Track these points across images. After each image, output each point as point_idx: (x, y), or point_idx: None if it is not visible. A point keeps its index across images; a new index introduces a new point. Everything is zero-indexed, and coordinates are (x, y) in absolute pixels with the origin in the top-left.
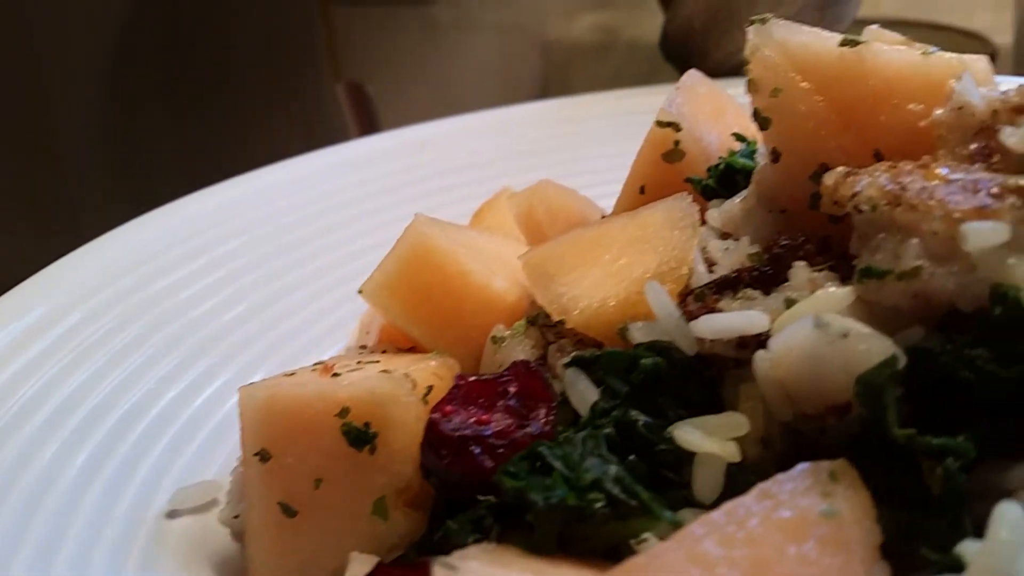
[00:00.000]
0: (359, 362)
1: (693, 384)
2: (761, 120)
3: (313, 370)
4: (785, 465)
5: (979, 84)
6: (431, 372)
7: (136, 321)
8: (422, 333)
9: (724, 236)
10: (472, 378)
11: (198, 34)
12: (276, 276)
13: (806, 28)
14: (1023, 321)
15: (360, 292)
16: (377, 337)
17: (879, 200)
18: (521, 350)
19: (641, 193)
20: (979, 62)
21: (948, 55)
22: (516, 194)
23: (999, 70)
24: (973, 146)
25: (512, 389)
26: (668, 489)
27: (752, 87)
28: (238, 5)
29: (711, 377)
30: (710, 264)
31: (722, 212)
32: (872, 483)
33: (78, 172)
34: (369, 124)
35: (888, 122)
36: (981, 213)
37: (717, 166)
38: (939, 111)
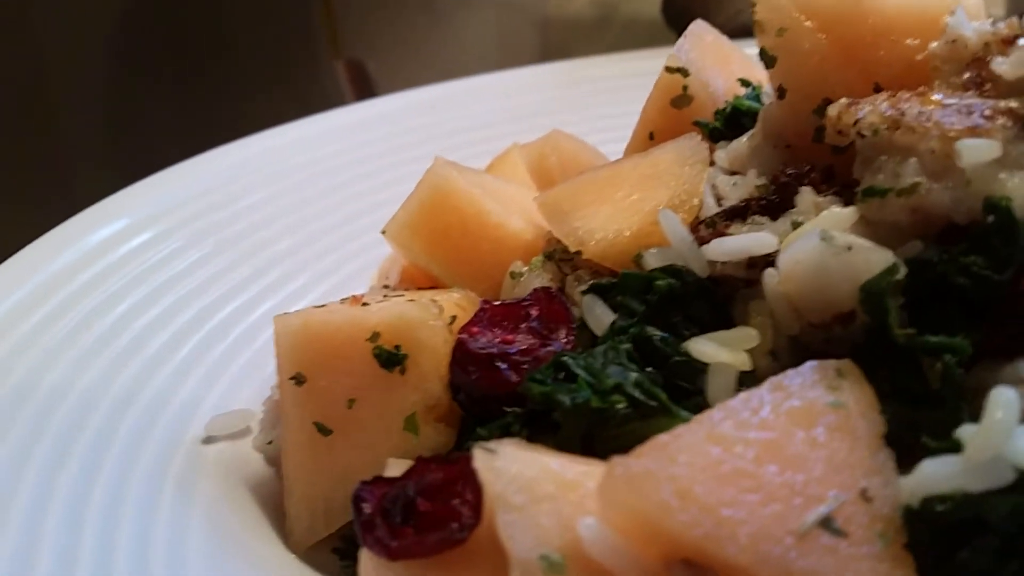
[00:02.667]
0: (385, 296)
1: (705, 304)
2: (767, 59)
3: (343, 302)
4: None
5: (971, 19)
6: (454, 303)
7: (181, 256)
8: (443, 270)
9: (732, 174)
10: (496, 303)
11: (198, 6)
12: (296, 228)
13: None
14: (1014, 229)
15: (383, 233)
16: (398, 280)
17: (880, 125)
18: (539, 283)
19: (650, 139)
20: None
21: None
22: (527, 144)
23: None
24: (966, 75)
25: (534, 312)
26: (683, 398)
27: (759, 28)
28: None
29: (722, 297)
30: (719, 199)
31: (729, 152)
32: (875, 383)
33: (74, 138)
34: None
35: (887, 57)
36: (974, 132)
37: (724, 109)
38: (934, 44)
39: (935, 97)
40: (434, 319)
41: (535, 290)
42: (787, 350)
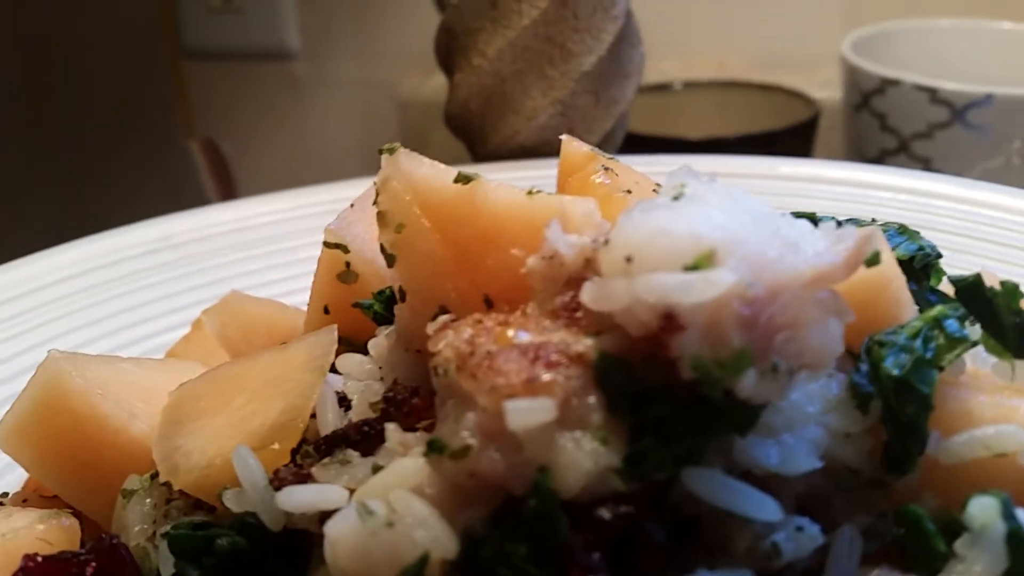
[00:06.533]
0: None
1: (280, 562)
2: (387, 257)
3: None
4: None
5: (579, 229)
6: (36, 538)
7: None
8: (56, 484)
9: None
10: (41, 558)
11: (57, 98)
12: None
13: (428, 161)
14: (555, 513)
15: None
16: (23, 483)
17: (451, 363)
18: (140, 509)
19: (326, 313)
20: (582, 204)
21: (551, 196)
22: (209, 310)
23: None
24: (559, 300)
25: (90, 570)
26: None
27: (380, 220)
28: (92, 66)
29: (301, 553)
30: (347, 410)
31: (376, 345)
32: None
33: None
34: (226, 183)
35: (495, 266)
36: (529, 388)
37: (384, 292)
38: (533, 259)
39: (510, 332)
40: None
41: (99, 538)
42: None
